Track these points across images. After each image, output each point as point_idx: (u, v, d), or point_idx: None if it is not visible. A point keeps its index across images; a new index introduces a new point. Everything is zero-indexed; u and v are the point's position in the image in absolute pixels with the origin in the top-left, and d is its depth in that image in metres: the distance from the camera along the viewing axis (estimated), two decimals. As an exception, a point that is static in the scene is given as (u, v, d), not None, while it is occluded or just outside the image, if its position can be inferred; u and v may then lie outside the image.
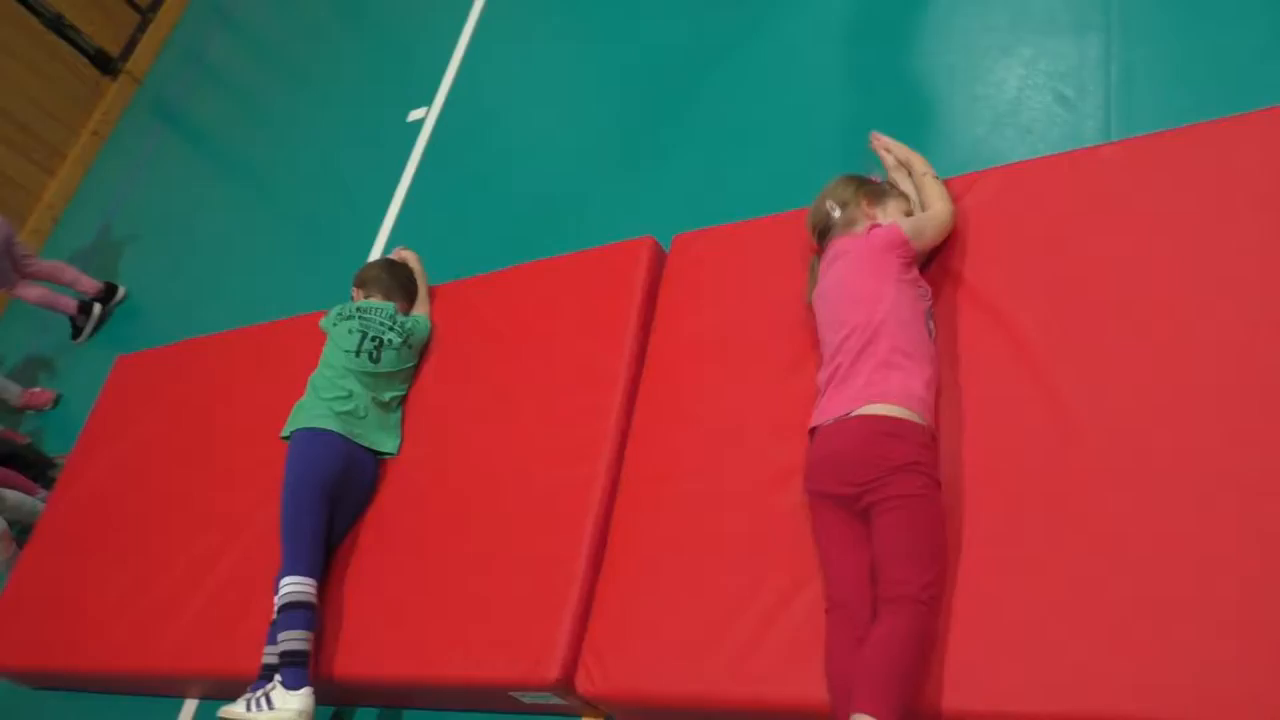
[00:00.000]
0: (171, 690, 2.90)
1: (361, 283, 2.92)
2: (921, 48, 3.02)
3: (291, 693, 2.25)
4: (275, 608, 2.38)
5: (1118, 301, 1.94)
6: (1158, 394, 1.82)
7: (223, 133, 5.35)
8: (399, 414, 2.78)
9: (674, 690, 1.99)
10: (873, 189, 2.20)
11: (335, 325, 2.79)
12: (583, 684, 2.10)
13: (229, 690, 2.72)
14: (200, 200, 4.94)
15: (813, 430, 2.00)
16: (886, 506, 1.79)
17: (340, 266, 3.87)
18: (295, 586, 2.38)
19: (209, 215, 4.79)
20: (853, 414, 1.89)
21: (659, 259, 2.68)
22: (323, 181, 4.44)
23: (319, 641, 2.44)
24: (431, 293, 3.00)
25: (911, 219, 2.12)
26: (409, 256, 3.04)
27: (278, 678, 2.29)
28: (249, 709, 2.26)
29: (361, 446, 2.65)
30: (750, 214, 2.59)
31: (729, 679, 1.93)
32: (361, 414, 2.66)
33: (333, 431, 2.59)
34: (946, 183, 2.23)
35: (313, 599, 2.40)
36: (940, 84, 2.88)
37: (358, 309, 2.80)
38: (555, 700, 2.19)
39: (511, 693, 2.21)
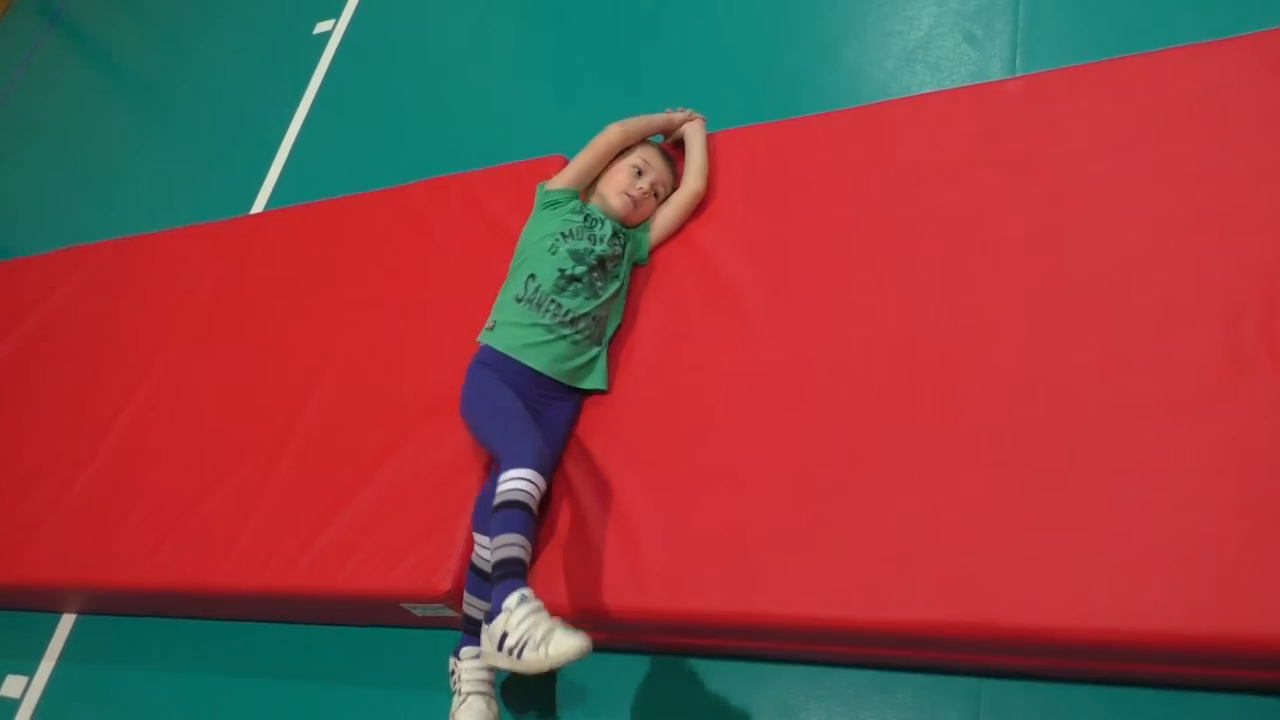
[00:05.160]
0: (46, 604, 2.80)
1: None
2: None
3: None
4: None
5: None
6: (1052, 330, 1.86)
7: (115, 39, 5.08)
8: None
9: (567, 602, 2.00)
10: None
11: None
12: (475, 595, 2.09)
13: (108, 605, 2.65)
14: (88, 110, 4.69)
15: None
16: None
17: (236, 181, 3.74)
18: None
19: (96, 125, 4.56)
20: None
21: (569, 178, 2.64)
22: (222, 94, 4.25)
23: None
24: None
25: None
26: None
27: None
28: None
29: None
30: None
31: (621, 592, 1.94)
32: None
33: None
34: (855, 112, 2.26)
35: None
36: (855, 19, 2.90)
37: None
38: (448, 612, 2.17)
39: (404, 605, 2.19)
